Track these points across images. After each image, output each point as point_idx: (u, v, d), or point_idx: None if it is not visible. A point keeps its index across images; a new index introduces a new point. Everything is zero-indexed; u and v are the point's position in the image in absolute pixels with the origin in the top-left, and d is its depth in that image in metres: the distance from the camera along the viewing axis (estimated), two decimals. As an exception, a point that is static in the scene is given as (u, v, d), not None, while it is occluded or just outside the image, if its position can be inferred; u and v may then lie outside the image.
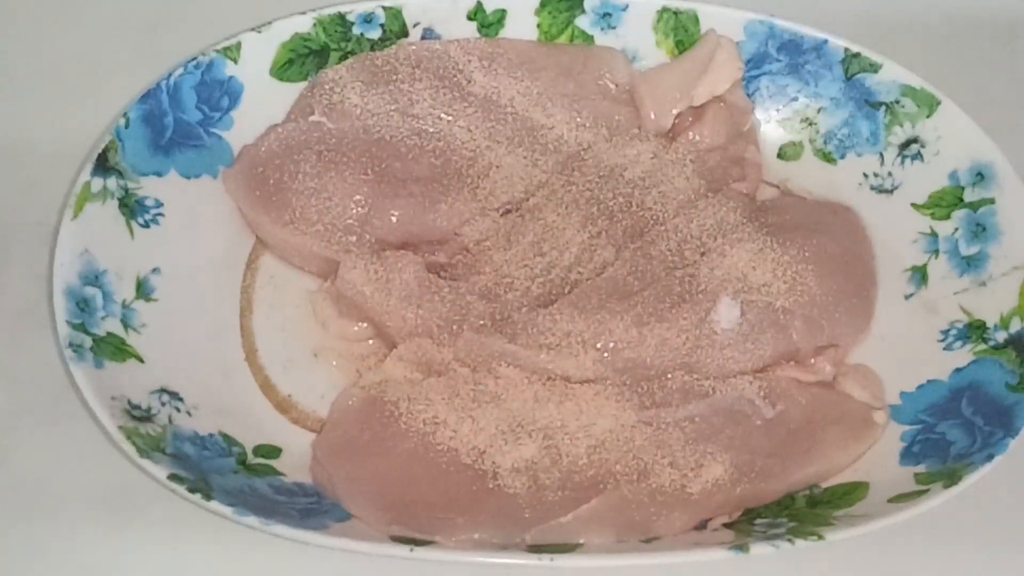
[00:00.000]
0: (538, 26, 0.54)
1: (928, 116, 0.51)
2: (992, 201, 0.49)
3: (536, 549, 0.41)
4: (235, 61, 0.51)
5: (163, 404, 0.45)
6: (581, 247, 0.48)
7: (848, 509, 0.43)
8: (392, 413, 0.45)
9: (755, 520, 0.43)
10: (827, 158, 0.53)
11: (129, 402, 0.44)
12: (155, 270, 0.48)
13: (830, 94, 0.53)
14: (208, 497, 0.41)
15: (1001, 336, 0.47)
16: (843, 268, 0.49)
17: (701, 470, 0.43)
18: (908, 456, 0.45)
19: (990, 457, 0.42)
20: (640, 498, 0.43)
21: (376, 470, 0.43)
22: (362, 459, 0.44)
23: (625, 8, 0.54)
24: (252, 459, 0.45)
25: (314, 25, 0.52)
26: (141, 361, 0.46)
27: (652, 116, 0.52)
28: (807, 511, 0.43)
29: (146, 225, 0.49)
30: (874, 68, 0.52)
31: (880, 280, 0.50)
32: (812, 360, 0.47)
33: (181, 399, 0.45)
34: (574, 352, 0.45)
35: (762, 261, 0.48)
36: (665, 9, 0.53)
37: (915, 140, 0.52)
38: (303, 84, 0.52)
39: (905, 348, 0.48)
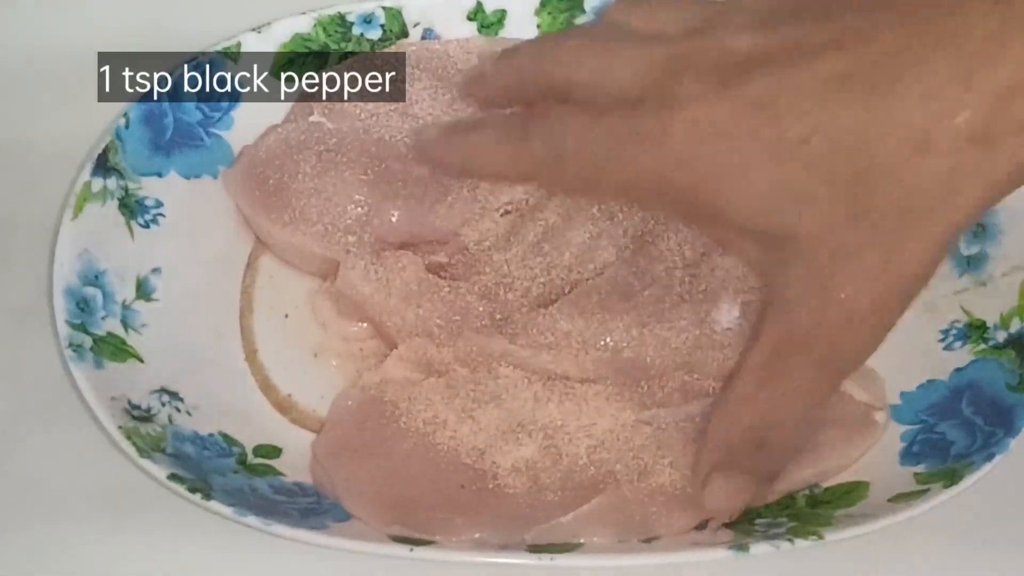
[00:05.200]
0: (538, 27, 0.54)
1: (928, 116, 0.51)
2: (992, 201, 0.49)
3: (536, 549, 0.41)
4: (235, 61, 0.51)
5: (163, 404, 0.45)
6: (581, 247, 0.48)
7: (848, 509, 0.43)
8: (392, 413, 0.45)
9: (755, 520, 0.43)
10: (827, 158, 0.53)
11: (129, 402, 0.44)
12: (155, 270, 0.48)
13: (830, 94, 0.53)
14: (208, 497, 0.41)
15: (1001, 336, 0.47)
16: None
17: None
18: (908, 456, 0.45)
19: (990, 457, 0.42)
20: (640, 498, 0.43)
21: (376, 470, 0.43)
22: (362, 459, 0.44)
23: (625, 8, 0.54)
24: (252, 459, 0.45)
25: (314, 25, 0.52)
26: (141, 361, 0.46)
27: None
28: (807, 511, 0.43)
29: (146, 225, 0.49)
30: (874, 68, 0.52)
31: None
32: None
33: (181, 399, 0.45)
34: (574, 352, 0.45)
35: None
36: (665, 9, 0.53)
37: (915, 140, 0.52)
38: (303, 84, 0.52)
39: (905, 348, 0.48)
